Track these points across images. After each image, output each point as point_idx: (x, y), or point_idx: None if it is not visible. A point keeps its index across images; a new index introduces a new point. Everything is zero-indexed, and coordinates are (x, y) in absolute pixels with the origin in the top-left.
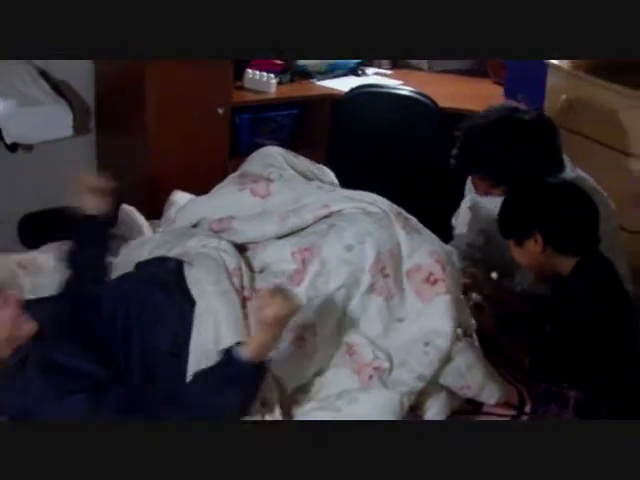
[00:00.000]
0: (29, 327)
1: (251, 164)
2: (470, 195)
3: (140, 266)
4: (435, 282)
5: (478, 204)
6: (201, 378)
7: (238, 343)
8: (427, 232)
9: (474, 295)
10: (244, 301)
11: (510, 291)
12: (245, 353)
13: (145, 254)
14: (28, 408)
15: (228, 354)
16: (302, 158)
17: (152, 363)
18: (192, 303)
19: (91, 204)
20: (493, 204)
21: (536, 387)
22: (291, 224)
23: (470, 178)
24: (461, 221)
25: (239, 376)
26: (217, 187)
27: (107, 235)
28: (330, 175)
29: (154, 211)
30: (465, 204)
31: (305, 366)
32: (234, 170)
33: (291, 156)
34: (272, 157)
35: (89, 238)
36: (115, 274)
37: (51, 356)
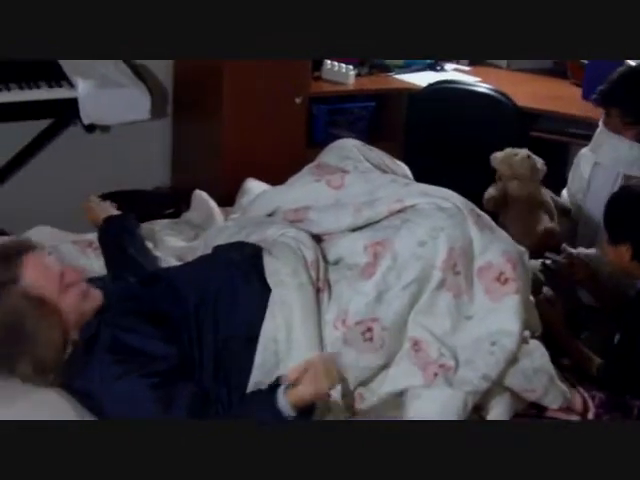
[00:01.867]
0: (96, 296)
1: (327, 155)
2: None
3: (219, 250)
4: (505, 281)
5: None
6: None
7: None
8: (500, 231)
9: (545, 289)
10: (317, 292)
11: (603, 283)
12: (288, 403)
13: (223, 240)
14: (95, 392)
15: (272, 396)
16: (378, 151)
17: (224, 347)
18: (268, 290)
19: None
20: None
21: (600, 394)
22: (365, 216)
23: (602, 119)
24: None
25: (273, 420)
26: (293, 178)
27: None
28: (405, 169)
29: (228, 198)
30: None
31: (371, 359)
32: (310, 160)
33: (366, 149)
34: (348, 149)
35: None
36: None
37: (118, 336)
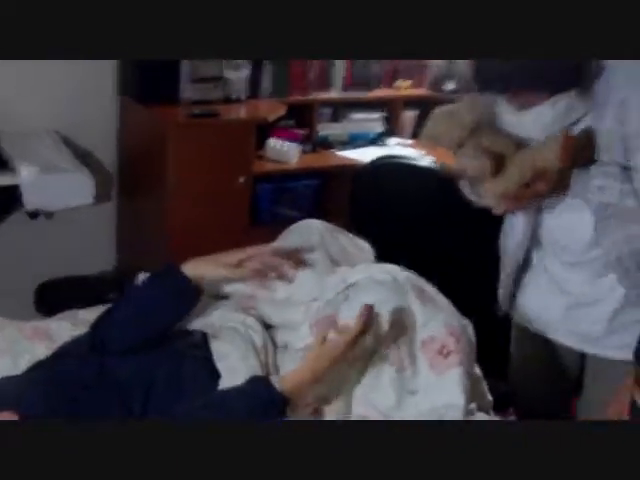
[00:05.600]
0: None
1: (288, 238)
2: None
3: (162, 340)
4: (448, 354)
5: None
6: (227, 397)
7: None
8: (444, 302)
9: None
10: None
11: None
12: (279, 386)
13: None
14: None
15: (261, 383)
16: (341, 233)
17: None
18: (218, 376)
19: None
20: None
21: None
22: (315, 307)
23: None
24: None
25: (265, 408)
26: None
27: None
28: (369, 252)
29: None
30: None
31: None
32: (254, 239)
33: (329, 233)
34: (310, 233)
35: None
36: None
37: None
